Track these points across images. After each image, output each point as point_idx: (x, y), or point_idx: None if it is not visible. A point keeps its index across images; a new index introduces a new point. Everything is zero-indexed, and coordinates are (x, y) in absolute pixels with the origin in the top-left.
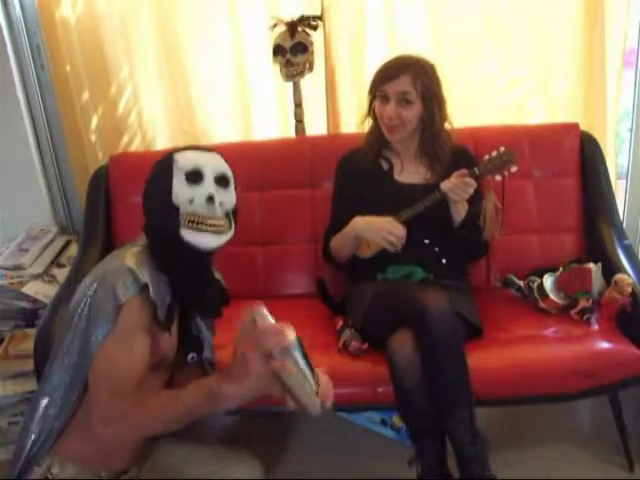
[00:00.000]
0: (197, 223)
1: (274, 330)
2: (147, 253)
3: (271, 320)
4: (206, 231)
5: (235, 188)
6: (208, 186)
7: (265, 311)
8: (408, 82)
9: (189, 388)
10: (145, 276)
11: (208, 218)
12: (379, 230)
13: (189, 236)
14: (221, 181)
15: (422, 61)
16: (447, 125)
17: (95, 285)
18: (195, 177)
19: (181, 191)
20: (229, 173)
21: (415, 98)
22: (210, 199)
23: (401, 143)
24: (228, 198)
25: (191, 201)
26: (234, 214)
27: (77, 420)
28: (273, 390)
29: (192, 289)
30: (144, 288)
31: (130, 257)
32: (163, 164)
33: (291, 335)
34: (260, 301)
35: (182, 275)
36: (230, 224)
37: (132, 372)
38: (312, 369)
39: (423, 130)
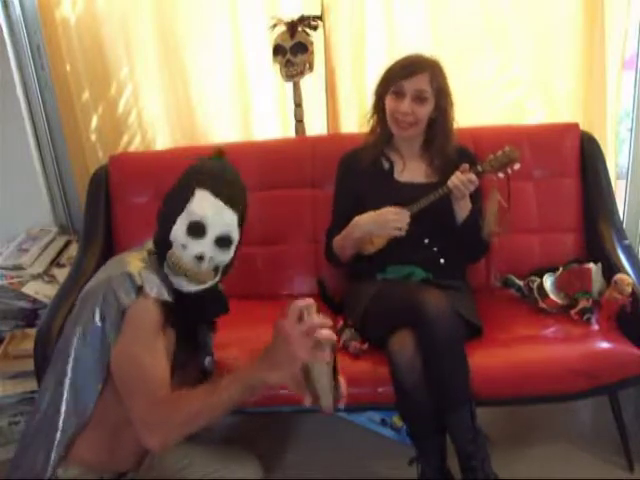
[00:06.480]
0: (178, 268)
1: (327, 325)
2: (154, 257)
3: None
4: (184, 279)
5: (237, 245)
6: (204, 245)
7: (314, 306)
8: (426, 80)
9: (226, 378)
10: (143, 279)
11: (191, 271)
12: (385, 223)
13: (168, 273)
14: (222, 242)
15: (437, 61)
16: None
17: (102, 292)
18: (196, 231)
19: (179, 234)
20: (234, 235)
21: (430, 96)
22: (200, 258)
23: (406, 141)
24: (223, 258)
25: (184, 247)
26: (225, 268)
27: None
28: (295, 382)
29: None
30: (141, 289)
31: (133, 261)
32: (184, 190)
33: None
34: (308, 298)
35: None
36: (216, 275)
37: (162, 374)
38: (336, 369)
39: (430, 129)
